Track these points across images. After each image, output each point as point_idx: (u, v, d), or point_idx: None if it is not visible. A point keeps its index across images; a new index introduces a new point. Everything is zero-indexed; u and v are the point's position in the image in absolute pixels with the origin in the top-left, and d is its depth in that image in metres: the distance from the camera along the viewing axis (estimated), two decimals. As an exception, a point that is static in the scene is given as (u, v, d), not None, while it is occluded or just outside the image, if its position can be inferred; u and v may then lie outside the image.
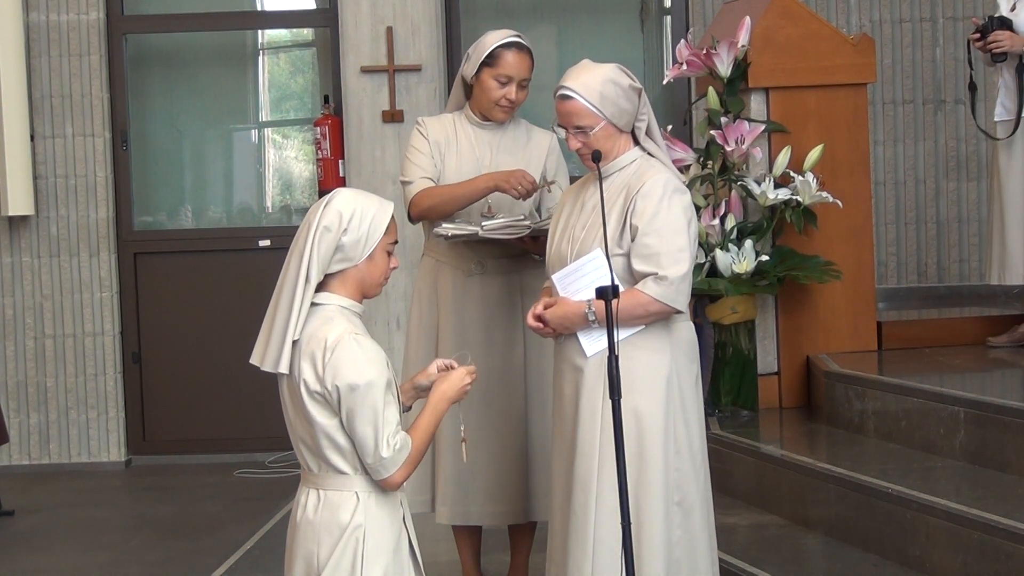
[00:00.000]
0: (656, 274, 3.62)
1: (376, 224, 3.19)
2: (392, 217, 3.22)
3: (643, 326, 3.67)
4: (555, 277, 3.79)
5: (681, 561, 3.70)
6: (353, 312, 3.21)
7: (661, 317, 3.68)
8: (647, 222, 3.65)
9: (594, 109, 3.70)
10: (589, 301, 3.65)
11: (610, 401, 3.32)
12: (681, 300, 3.66)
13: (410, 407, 3.40)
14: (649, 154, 3.81)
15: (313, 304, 3.17)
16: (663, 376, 3.69)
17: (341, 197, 3.20)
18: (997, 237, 5.72)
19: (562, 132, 3.80)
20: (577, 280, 3.72)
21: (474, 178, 4.48)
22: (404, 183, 4.57)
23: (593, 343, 3.72)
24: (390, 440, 3.11)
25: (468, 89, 4.62)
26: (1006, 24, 5.61)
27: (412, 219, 4.57)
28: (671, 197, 3.68)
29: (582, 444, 3.71)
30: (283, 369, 3.16)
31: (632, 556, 3.29)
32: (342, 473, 3.16)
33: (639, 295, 3.62)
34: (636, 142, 3.82)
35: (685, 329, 3.78)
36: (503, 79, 4.50)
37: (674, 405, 3.70)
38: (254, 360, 3.21)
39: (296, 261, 3.16)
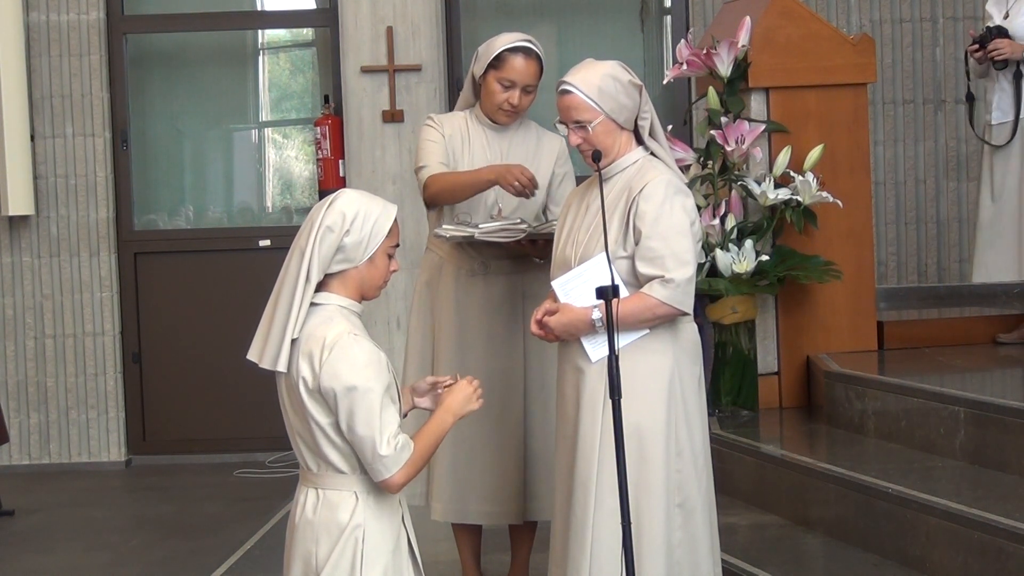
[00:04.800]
0: (662, 277, 3.61)
1: (379, 227, 3.19)
2: (395, 220, 3.22)
3: (648, 330, 3.67)
4: (556, 283, 3.76)
5: (683, 563, 3.69)
6: (352, 312, 3.21)
7: (667, 320, 3.68)
8: (650, 225, 3.64)
9: (592, 103, 3.70)
10: (595, 307, 3.63)
11: (611, 401, 3.31)
12: (688, 302, 3.66)
13: (406, 414, 3.39)
14: (652, 154, 3.81)
15: (312, 303, 3.17)
16: (665, 378, 3.69)
17: (345, 198, 3.19)
18: (986, 235, 5.75)
19: (563, 129, 3.80)
20: (580, 286, 3.69)
21: (479, 168, 4.48)
22: (419, 168, 4.56)
23: (597, 348, 3.69)
24: (390, 440, 3.10)
25: (478, 88, 4.62)
26: (1003, 33, 5.64)
27: (426, 202, 4.57)
28: (673, 199, 3.67)
29: (583, 445, 3.71)
30: (281, 367, 3.15)
31: (632, 556, 3.29)
32: (341, 472, 3.16)
33: (646, 299, 3.61)
34: (640, 142, 3.81)
35: (689, 331, 3.78)
36: (506, 83, 4.50)
37: (676, 407, 3.69)
38: (251, 356, 3.21)
39: (297, 260, 3.16)
